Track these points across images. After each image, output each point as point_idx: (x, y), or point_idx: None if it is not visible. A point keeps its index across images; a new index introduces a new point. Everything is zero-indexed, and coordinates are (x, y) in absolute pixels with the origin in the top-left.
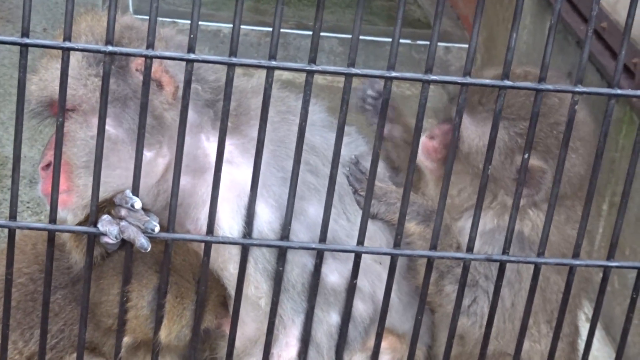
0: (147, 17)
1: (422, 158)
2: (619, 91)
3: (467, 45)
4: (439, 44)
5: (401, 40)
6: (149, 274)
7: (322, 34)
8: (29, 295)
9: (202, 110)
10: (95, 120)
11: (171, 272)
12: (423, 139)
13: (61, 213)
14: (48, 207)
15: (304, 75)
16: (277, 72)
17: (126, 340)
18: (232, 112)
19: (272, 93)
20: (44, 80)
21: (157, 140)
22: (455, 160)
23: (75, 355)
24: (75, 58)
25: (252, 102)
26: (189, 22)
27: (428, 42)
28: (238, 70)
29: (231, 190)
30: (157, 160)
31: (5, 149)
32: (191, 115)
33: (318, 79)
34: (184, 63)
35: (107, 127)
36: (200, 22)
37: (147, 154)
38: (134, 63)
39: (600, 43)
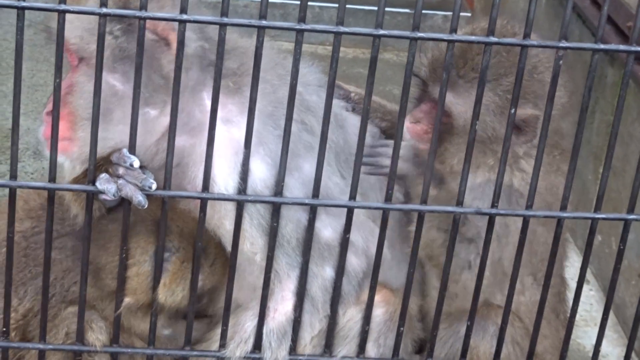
0: None
1: (414, 142)
2: (601, 46)
3: (467, 14)
4: (439, 12)
5: (400, 9)
6: (150, 233)
7: (320, 3)
8: (22, 251)
9: (207, 69)
10: (102, 76)
11: (179, 237)
12: (407, 124)
13: (60, 159)
14: (47, 152)
15: (314, 46)
16: (278, 42)
17: (127, 300)
18: (236, 71)
19: (272, 57)
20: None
21: (161, 100)
22: (450, 135)
23: (69, 309)
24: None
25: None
26: None
27: (428, 12)
28: (244, 33)
29: (228, 148)
30: (160, 118)
31: (8, 121)
32: (195, 73)
33: (318, 48)
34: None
35: (114, 82)
36: None
37: (151, 112)
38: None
39: (595, 7)
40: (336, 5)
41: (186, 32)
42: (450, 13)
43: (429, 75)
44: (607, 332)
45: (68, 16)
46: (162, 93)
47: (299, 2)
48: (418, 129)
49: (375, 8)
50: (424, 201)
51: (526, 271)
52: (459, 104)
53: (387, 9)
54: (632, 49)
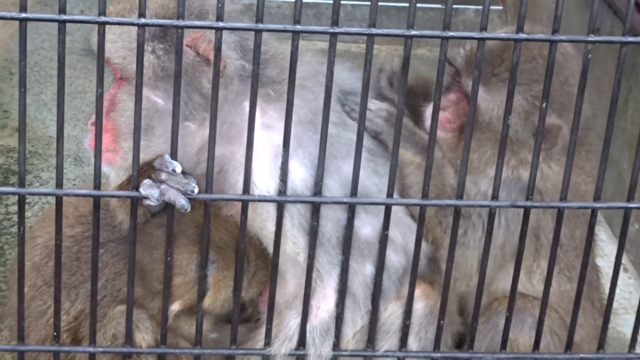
0: None
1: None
2: (630, 38)
3: (499, 7)
4: (471, 6)
5: (432, 5)
6: (195, 243)
7: (353, 2)
8: (73, 256)
9: (247, 80)
10: (145, 93)
11: (218, 247)
12: (430, 110)
13: (105, 169)
14: (92, 159)
15: (348, 44)
16: (312, 42)
17: (174, 307)
18: (275, 79)
19: (314, 65)
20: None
21: (201, 116)
22: (474, 130)
23: (118, 308)
24: (135, 32)
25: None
26: None
27: (460, 6)
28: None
29: (269, 152)
30: (199, 131)
31: (49, 129)
32: (235, 86)
33: (352, 46)
34: (231, 42)
35: (157, 99)
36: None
37: (191, 126)
38: (185, 40)
39: None
40: (368, 3)
41: (229, 51)
42: (481, 7)
43: (465, 67)
44: None
45: (111, 36)
46: (202, 110)
47: (331, 2)
48: (442, 117)
49: (407, 5)
50: (460, 196)
51: (544, 262)
52: (488, 101)
53: (418, 4)
54: None
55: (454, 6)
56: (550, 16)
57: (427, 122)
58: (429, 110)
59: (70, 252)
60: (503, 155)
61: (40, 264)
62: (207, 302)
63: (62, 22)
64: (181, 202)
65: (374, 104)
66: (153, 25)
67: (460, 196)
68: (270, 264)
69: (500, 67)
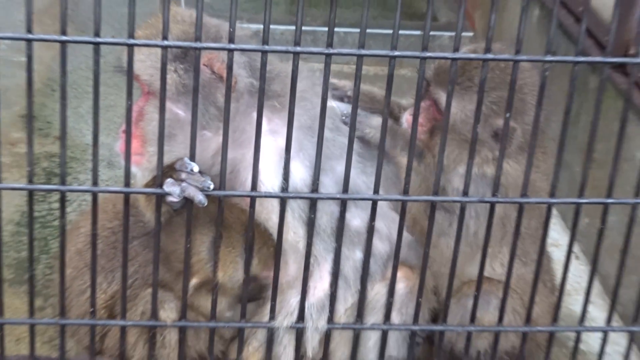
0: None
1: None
2: (581, 58)
3: (470, 34)
4: (445, 33)
5: (412, 32)
6: (206, 228)
7: (345, 29)
8: (111, 244)
9: (255, 94)
10: (168, 105)
11: (224, 228)
12: (407, 116)
13: (133, 170)
14: (122, 162)
15: (341, 65)
16: (310, 63)
17: (193, 282)
18: (280, 93)
19: (312, 80)
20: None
21: (216, 125)
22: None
23: (148, 290)
24: (160, 53)
25: (296, 85)
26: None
27: (436, 33)
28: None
29: (274, 154)
30: (214, 138)
31: (85, 137)
32: (246, 98)
33: (344, 67)
34: (242, 62)
35: (178, 111)
36: (243, 25)
37: (207, 134)
38: (202, 60)
39: (578, 24)
40: (358, 30)
41: (239, 70)
42: (454, 33)
43: (433, 77)
44: (595, 299)
45: (140, 56)
46: (217, 120)
47: (326, 29)
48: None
49: (391, 32)
50: (435, 193)
51: (506, 249)
52: (453, 106)
53: (401, 31)
54: (607, 60)
55: (431, 32)
56: (513, 40)
57: (404, 125)
58: (404, 116)
59: (109, 241)
60: (472, 157)
61: (82, 250)
62: (219, 274)
63: (97, 44)
64: (199, 197)
65: (375, 121)
66: (174, 47)
67: (435, 193)
68: (271, 244)
69: (462, 77)
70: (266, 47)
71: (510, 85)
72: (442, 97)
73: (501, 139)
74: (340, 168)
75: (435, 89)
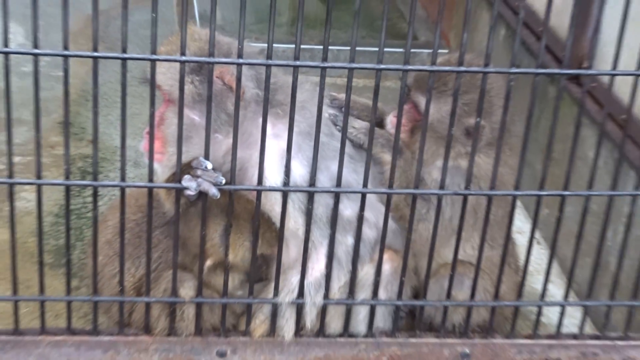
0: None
1: (393, 132)
2: (541, 70)
3: (445, 50)
4: (424, 50)
5: (394, 50)
6: (218, 217)
7: (338, 47)
8: (136, 234)
9: (261, 103)
10: (185, 112)
11: (234, 217)
12: (391, 117)
13: (155, 167)
14: (146, 160)
15: (334, 78)
16: (309, 77)
17: (208, 263)
18: (283, 102)
19: (312, 91)
20: (158, 72)
21: (226, 129)
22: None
23: (170, 272)
24: (178, 67)
25: (297, 96)
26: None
27: (416, 50)
28: (286, 71)
29: (277, 154)
30: (225, 140)
31: (114, 141)
32: (253, 106)
33: (337, 80)
34: (249, 74)
35: (194, 117)
36: (251, 43)
37: (219, 137)
38: (215, 73)
39: (538, 42)
40: (349, 47)
41: (247, 82)
42: (432, 50)
43: (413, 84)
44: (554, 278)
45: (162, 69)
46: (227, 125)
47: (322, 47)
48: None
49: (377, 49)
50: (416, 186)
51: (477, 234)
52: (430, 108)
53: (386, 49)
54: (564, 72)
55: (412, 50)
56: (483, 54)
57: (388, 126)
58: (389, 118)
59: (134, 231)
60: (448, 154)
61: (111, 240)
62: (230, 256)
63: (124, 60)
64: (213, 191)
65: (357, 123)
66: (191, 61)
67: (416, 186)
68: (274, 229)
69: (438, 82)
70: (270, 62)
71: (480, 94)
72: (421, 101)
73: (473, 135)
74: (334, 167)
75: (415, 93)
